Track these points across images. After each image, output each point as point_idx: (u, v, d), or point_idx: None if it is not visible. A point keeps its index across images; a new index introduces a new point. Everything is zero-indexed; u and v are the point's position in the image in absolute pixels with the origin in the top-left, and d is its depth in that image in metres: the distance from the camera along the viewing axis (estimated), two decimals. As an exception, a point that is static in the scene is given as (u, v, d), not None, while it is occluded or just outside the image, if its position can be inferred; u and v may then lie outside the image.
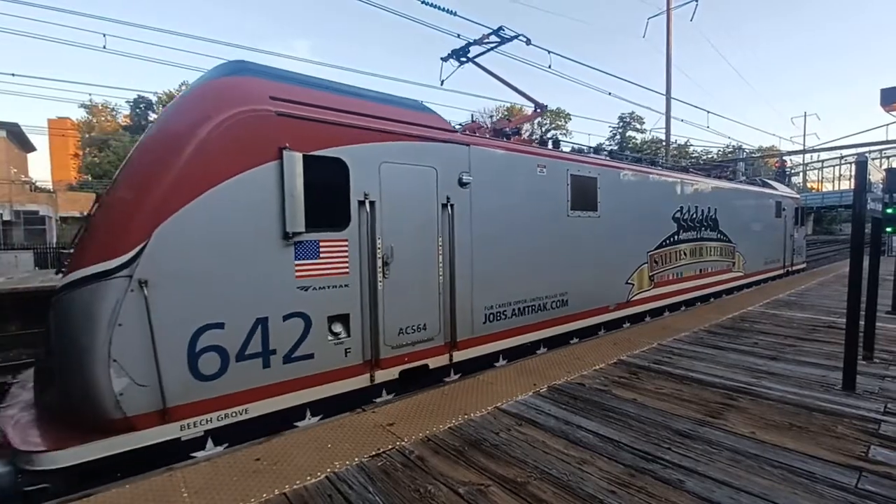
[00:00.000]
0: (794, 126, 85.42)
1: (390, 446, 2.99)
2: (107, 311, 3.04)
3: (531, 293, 6.06)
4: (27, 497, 2.88)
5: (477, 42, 7.01)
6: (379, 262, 4.35)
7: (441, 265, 4.93)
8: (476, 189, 5.27)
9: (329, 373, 4.08)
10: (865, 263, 4.07)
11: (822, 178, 46.31)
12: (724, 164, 21.82)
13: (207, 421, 3.43)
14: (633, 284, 8.02)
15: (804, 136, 48.45)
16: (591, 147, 8.71)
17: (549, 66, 10.15)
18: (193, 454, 3.33)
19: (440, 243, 4.91)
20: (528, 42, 7.75)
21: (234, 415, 3.54)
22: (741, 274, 11.88)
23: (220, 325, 3.44)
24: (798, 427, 3.21)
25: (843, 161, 40.67)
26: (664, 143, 22.41)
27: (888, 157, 33.55)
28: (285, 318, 3.77)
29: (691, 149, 47.31)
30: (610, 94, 14.45)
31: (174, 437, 3.29)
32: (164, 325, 3.19)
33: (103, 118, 50.60)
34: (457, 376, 5.09)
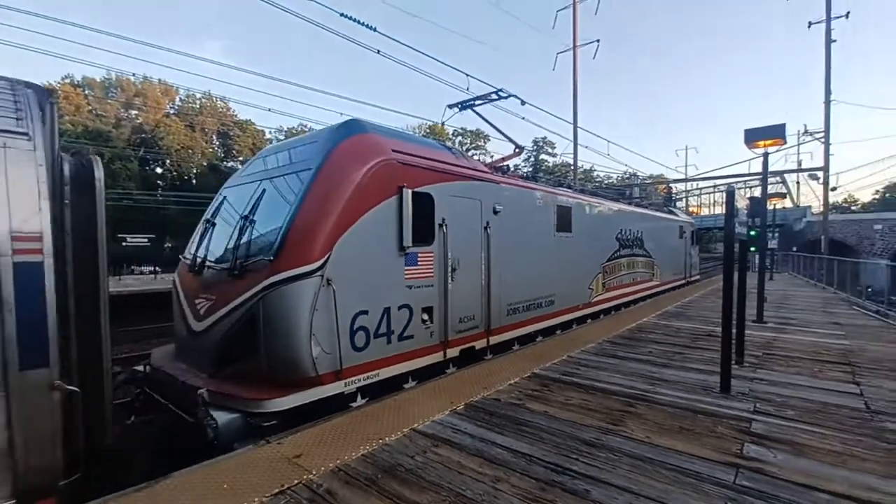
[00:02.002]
0: (677, 157, 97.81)
1: (296, 481, 2.75)
2: (309, 300, 4.16)
3: (534, 294, 7.70)
4: (262, 431, 3.77)
5: (481, 98, 8.67)
6: (449, 269, 5.74)
7: (483, 272, 6.41)
8: (503, 216, 6.82)
9: (421, 349, 5.39)
10: (735, 278, 4.67)
11: (701, 203, 53.17)
12: (622, 188, 24.13)
13: (359, 381, 4.61)
14: (593, 289, 10.08)
15: (686, 166, 55.68)
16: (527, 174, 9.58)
17: (467, 89, 10.52)
18: (351, 404, 4.49)
19: (482, 256, 6.42)
20: (523, 103, 10.04)
21: (373, 377, 4.76)
22: (658, 283, 14.53)
23: (366, 312, 4.69)
24: (686, 429, 3.53)
25: (716, 189, 47.11)
26: (572, 168, 24.24)
27: (751, 188, 39.46)
28: (399, 308, 5.07)
29: (595, 174, 51.83)
30: (524, 118, 15.30)
31: (340, 392, 4.43)
32: (340, 310, 4.34)
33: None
34: (491, 356, 6.43)
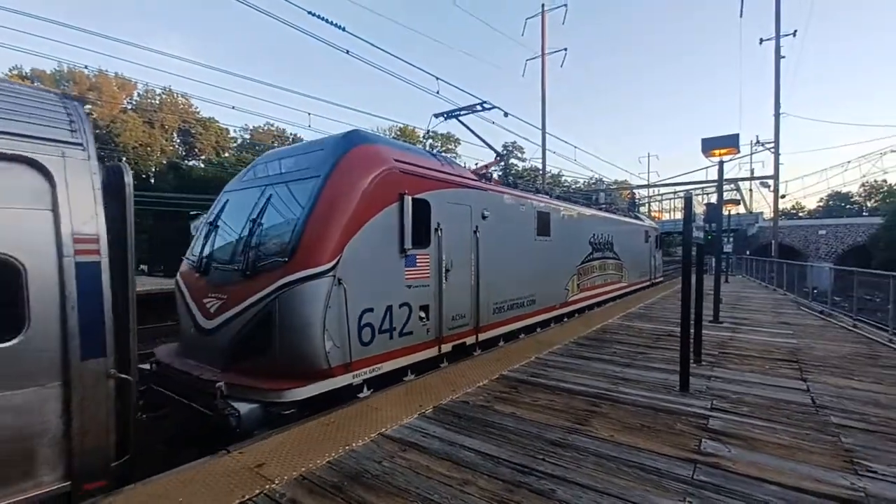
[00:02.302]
0: (640, 164, 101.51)
1: (258, 491, 2.66)
2: (323, 298, 4.47)
3: (517, 294, 8.18)
4: (282, 419, 4.10)
5: (466, 109, 9.12)
6: (443, 270, 6.14)
7: (472, 273, 6.84)
8: (490, 221, 7.24)
9: (419, 345, 5.79)
10: (693, 281, 4.86)
11: (662, 208, 55.29)
12: (588, 193, 24.79)
13: (365, 373, 4.95)
14: (569, 290, 10.70)
15: (648, 172, 57.79)
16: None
17: (437, 92, 10.54)
18: (358, 395, 4.81)
19: (472, 258, 6.83)
20: (506, 115, 10.97)
21: (376, 370, 5.11)
22: (627, 283, 15.35)
23: (371, 309, 5.05)
24: (647, 427, 3.64)
25: (676, 195, 49.12)
26: (541, 172, 24.69)
27: (708, 194, 41.35)
28: (400, 306, 5.45)
29: (563, 178, 52.97)
30: (493, 123, 15.46)
31: (349, 383, 4.75)
32: (350, 307, 4.70)
33: None
34: (479, 351, 6.93)
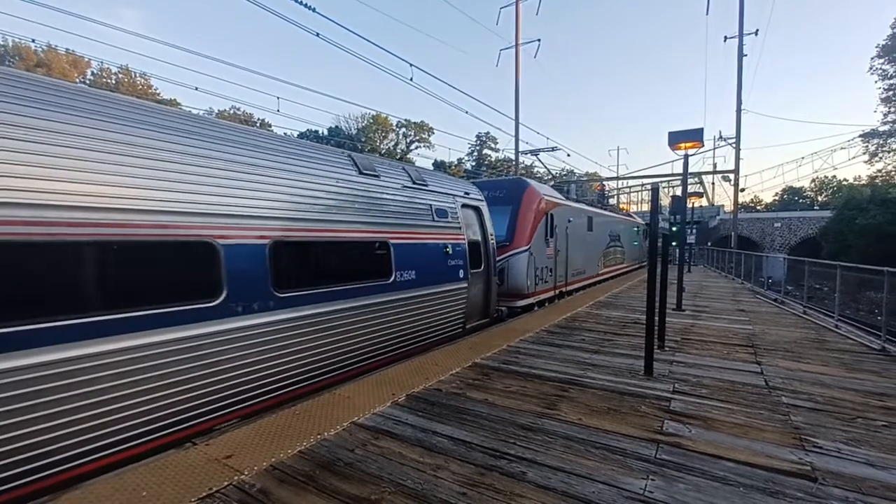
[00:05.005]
0: (610, 157, 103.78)
1: (226, 483, 2.60)
2: (526, 261, 9.61)
3: (579, 266, 13.48)
4: (514, 313, 9.25)
5: (535, 151, 19.69)
6: (556, 251, 11.15)
7: (564, 254, 11.90)
8: (571, 224, 12.48)
9: (548, 289, 10.89)
10: (658, 270, 5.03)
11: (630, 200, 56.88)
12: (560, 185, 25.23)
13: (536, 299, 10.13)
14: (599, 266, 16.07)
15: (618, 165, 59.14)
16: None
17: (411, 79, 10.40)
18: (535, 308, 9.97)
19: (564, 245, 11.87)
20: (569, 154, 23.44)
21: (538, 297, 10.24)
22: (626, 265, 21.21)
23: (538, 269, 10.16)
24: (614, 410, 3.77)
25: (643, 188, 50.53)
26: (514, 163, 24.85)
27: (673, 187, 42.74)
28: (544, 268, 10.55)
29: (535, 170, 53.52)
30: (467, 112, 15.47)
31: (532, 302, 9.96)
32: (534, 266, 9.90)
33: None
34: (567, 298, 11.90)
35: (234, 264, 3.77)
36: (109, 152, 3.15)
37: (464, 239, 7.21)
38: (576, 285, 12.95)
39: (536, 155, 17.43)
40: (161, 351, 3.24)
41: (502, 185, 10.66)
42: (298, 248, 4.51)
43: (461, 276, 7.04)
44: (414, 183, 6.48)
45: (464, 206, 7.52)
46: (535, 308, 9.67)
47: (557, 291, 11.24)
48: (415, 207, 6.31)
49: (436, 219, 6.66)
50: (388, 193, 5.84)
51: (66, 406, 2.75)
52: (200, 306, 3.52)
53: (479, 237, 7.79)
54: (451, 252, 6.83)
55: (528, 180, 10.78)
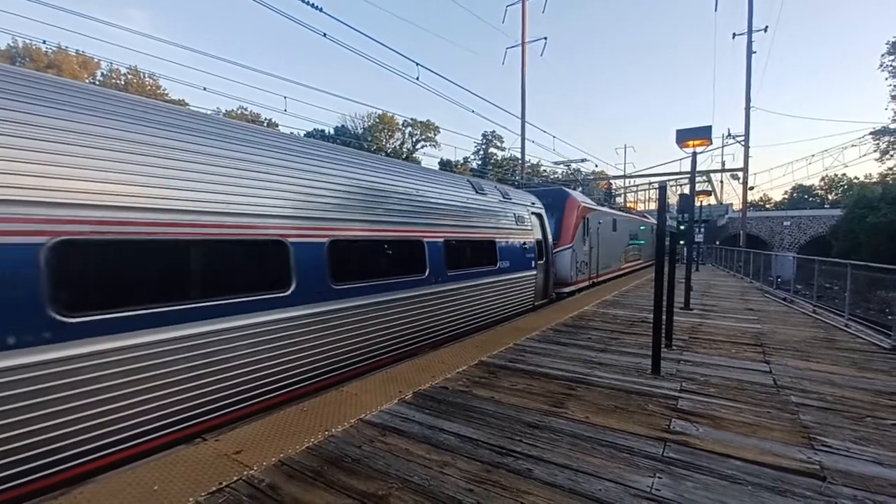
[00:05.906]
0: (617, 155, 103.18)
1: (236, 477, 2.64)
2: (570, 256, 12.17)
3: (606, 262, 15.59)
4: (560, 297, 11.56)
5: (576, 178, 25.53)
6: (590, 248, 13.77)
7: (596, 250, 14.39)
8: (601, 225, 14.86)
9: (585, 279, 13.38)
10: (666, 269, 5.01)
11: (637, 199, 56.50)
12: (566, 183, 25.17)
13: (576, 287, 12.45)
14: (621, 261, 18.51)
15: (625, 163, 58.82)
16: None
17: (417, 78, 10.42)
18: (569, 296, 11.86)
19: (596, 242, 14.39)
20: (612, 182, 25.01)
21: (577, 286, 12.57)
22: (643, 261, 23.38)
23: (579, 262, 12.68)
24: (621, 409, 3.76)
25: (650, 186, 50.19)
26: (520, 162, 24.80)
27: (681, 185, 42.43)
28: (582, 261, 13.03)
29: (542, 169, 53.34)
30: (473, 111, 15.47)
31: (574, 290, 12.28)
32: (575, 260, 12.40)
33: None
34: (597, 287, 14.10)
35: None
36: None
37: (533, 238, 9.79)
38: (604, 277, 15.42)
39: (568, 166, 23.39)
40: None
41: (548, 193, 12.77)
42: (458, 245, 7.23)
43: (533, 266, 9.71)
44: (504, 197, 9.13)
45: (532, 213, 10.13)
46: (576, 294, 12.00)
47: (591, 281, 13.90)
48: (506, 216, 8.93)
49: (517, 224, 9.26)
50: (492, 206, 8.51)
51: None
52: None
53: (541, 237, 10.40)
54: (527, 248, 9.46)
55: (569, 190, 13.88)
